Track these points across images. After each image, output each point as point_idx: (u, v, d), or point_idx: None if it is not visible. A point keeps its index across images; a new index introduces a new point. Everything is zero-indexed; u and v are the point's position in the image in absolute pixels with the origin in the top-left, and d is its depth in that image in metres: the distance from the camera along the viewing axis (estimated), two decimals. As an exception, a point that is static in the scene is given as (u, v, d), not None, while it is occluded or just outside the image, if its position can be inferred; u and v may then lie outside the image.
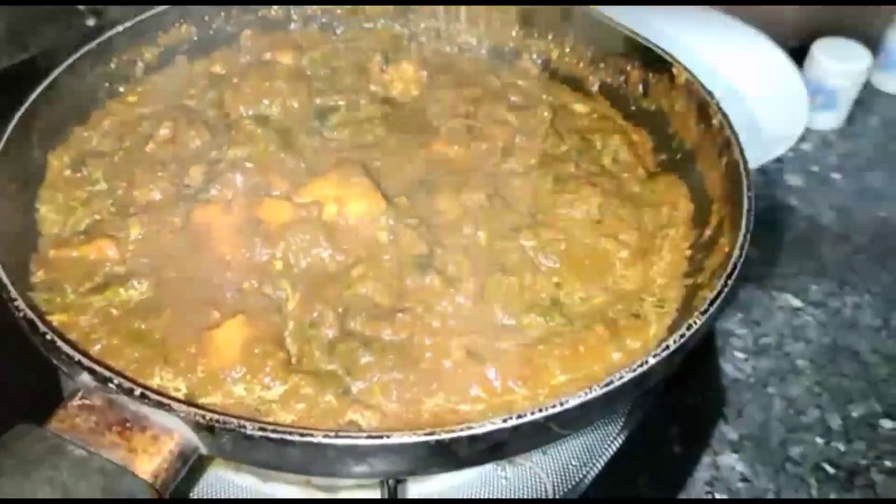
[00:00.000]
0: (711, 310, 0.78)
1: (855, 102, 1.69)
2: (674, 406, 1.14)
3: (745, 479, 1.17)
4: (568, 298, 0.92)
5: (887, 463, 1.19)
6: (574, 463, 0.99)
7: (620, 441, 1.02)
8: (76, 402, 0.70)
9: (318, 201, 0.96)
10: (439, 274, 0.90)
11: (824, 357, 1.33)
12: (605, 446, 1.01)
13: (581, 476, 0.98)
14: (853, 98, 1.68)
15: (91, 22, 1.60)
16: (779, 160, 1.62)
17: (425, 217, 0.96)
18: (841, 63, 1.61)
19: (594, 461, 1.00)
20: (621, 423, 1.04)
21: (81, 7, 1.59)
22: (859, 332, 1.37)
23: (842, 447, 1.21)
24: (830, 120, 1.70)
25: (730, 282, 0.80)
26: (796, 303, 1.41)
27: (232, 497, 0.95)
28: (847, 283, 1.44)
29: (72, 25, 1.57)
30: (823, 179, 1.63)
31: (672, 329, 0.87)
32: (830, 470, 1.18)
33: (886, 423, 1.24)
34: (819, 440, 1.22)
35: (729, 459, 1.19)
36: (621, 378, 0.72)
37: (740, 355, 1.33)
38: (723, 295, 0.79)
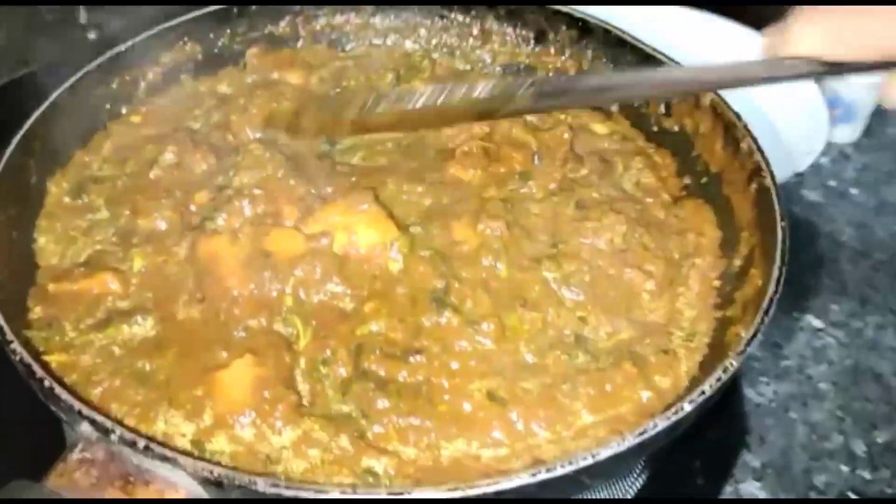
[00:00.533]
0: (749, 350, 0.74)
1: (871, 114, 1.66)
2: (696, 439, 1.10)
3: (769, 509, 1.14)
4: (593, 333, 0.88)
5: (914, 493, 1.15)
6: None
7: (644, 479, 0.97)
8: (76, 455, 0.66)
9: (328, 231, 0.92)
10: (456, 311, 0.86)
11: (847, 380, 1.29)
12: (629, 485, 0.97)
13: (604, 515, 0.94)
14: (870, 110, 1.64)
15: (92, 35, 1.57)
16: (796, 175, 1.58)
17: (440, 248, 0.93)
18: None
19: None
20: (644, 461, 1.00)
21: (82, 21, 1.56)
22: (881, 352, 1.33)
23: (867, 475, 1.18)
24: (848, 133, 1.66)
25: (766, 318, 0.76)
26: (817, 323, 1.37)
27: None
28: (868, 302, 1.40)
29: (73, 39, 1.54)
30: (842, 194, 1.59)
31: (703, 366, 0.83)
32: (856, 498, 1.15)
33: (912, 450, 1.20)
34: (843, 468, 1.18)
35: (751, 488, 1.15)
36: (655, 427, 0.68)
37: (762, 379, 1.29)
38: (760, 334, 0.75)
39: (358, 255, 0.90)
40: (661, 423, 0.68)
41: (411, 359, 0.82)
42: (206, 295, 0.87)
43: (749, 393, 1.26)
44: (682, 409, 0.69)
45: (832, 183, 1.62)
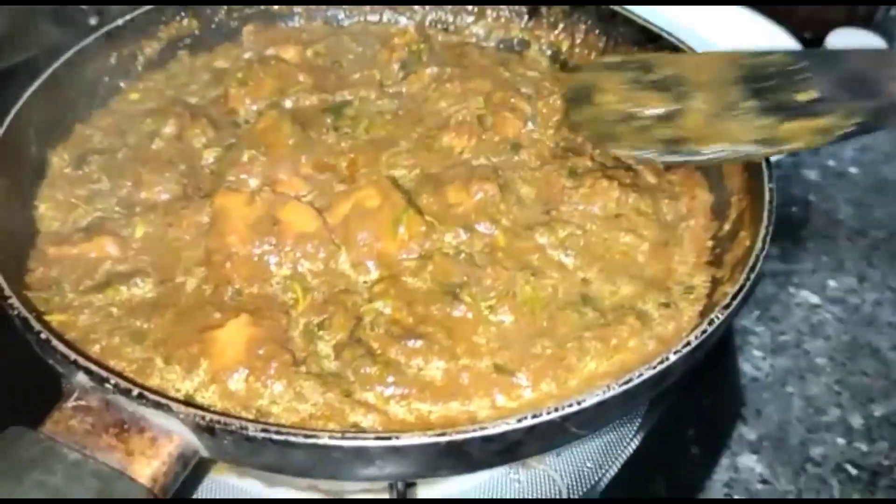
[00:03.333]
0: (734, 305, 0.75)
1: (872, 95, 1.66)
2: (691, 407, 1.11)
3: (764, 481, 1.14)
4: (597, 292, 0.89)
5: (912, 464, 1.16)
6: (589, 465, 0.96)
7: (637, 443, 0.98)
8: (72, 403, 0.68)
9: (344, 217, 0.92)
10: (470, 306, 0.86)
11: (844, 354, 1.30)
12: (621, 448, 0.98)
13: (596, 479, 0.95)
14: (870, 91, 1.64)
15: (94, 20, 1.58)
16: (795, 155, 1.59)
17: (436, 212, 0.93)
18: (857, 55, 1.58)
19: (609, 463, 0.97)
20: (637, 425, 1.01)
21: (84, 7, 1.58)
22: (879, 328, 1.33)
23: (864, 447, 1.18)
24: (847, 113, 1.66)
25: (752, 276, 0.77)
26: (815, 299, 1.37)
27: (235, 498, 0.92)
28: (866, 279, 1.40)
29: (75, 24, 1.56)
30: (840, 174, 1.60)
31: (703, 314, 0.84)
32: (853, 471, 1.15)
33: (910, 423, 1.21)
34: (840, 440, 1.19)
35: (748, 461, 1.16)
36: (640, 375, 0.69)
37: (758, 354, 1.29)
38: (745, 289, 0.76)
39: (371, 242, 0.90)
40: (647, 373, 0.69)
41: (409, 342, 0.82)
42: (207, 247, 0.88)
43: (746, 367, 1.27)
44: (667, 359, 0.70)
45: (831, 163, 1.62)
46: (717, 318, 0.74)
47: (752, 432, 1.19)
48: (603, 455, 0.98)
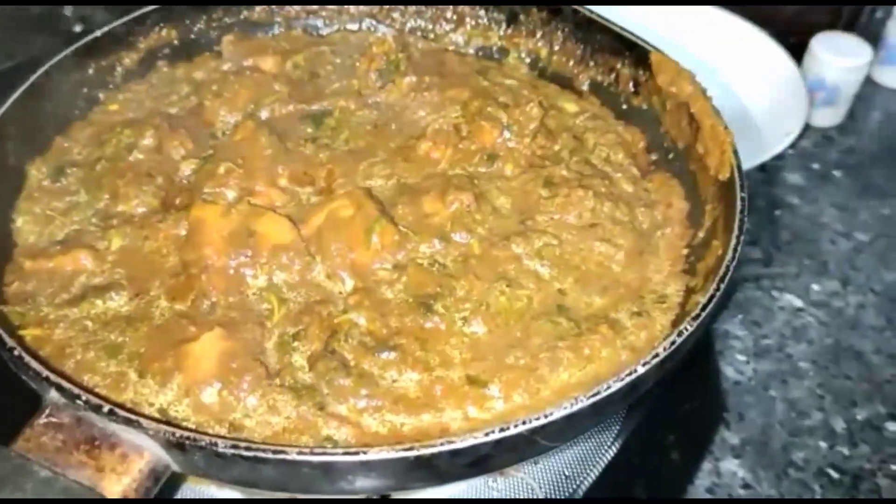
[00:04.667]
0: (703, 315, 0.75)
1: (855, 98, 1.66)
2: (671, 412, 1.11)
3: (746, 486, 1.15)
4: (573, 303, 0.89)
5: (893, 467, 1.16)
6: (567, 473, 0.96)
7: (615, 449, 0.98)
8: (43, 420, 0.68)
9: (318, 228, 0.92)
10: (444, 315, 0.86)
11: (827, 358, 1.30)
12: (599, 455, 0.98)
13: (575, 486, 0.95)
14: (854, 93, 1.65)
15: (78, 28, 1.59)
16: (779, 158, 1.59)
17: (411, 223, 0.94)
18: (841, 58, 1.58)
19: (588, 471, 0.97)
20: (616, 431, 1.01)
21: (67, 13, 1.58)
22: (862, 331, 1.34)
23: (846, 451, 1.19)
24: (831, 116, 1.67)
25: (722, 286, 0.77)
26: (798, 303, 1.38)
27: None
28: (850, 283, 1.41)
29: (58, 33, 1.56)
30: (824, 177, 1.61)
31: (675, 323, 0.85)
32: (835, 475, 1.16)
33: (892, 426, 1.21)
34: (823, 444, 1.19)
35: (730, 465, 1.17)
36: (608, 388, 0.69)
37: (741, 357, 1.30)
38: (715, 299, 0.76)
39: (344, 252, 0.90)
40: (615, 385, 0.69)
41: (383, 354, 0.82)
42: (183, 259, 0.89)
43: (728, 371, 1.28)
44: (635, 371, 0.70)
45: (815, 166, 1.63)
46: (687, 328, 0.74)
47: (735, 437, 1.20)
48: (581, 463, 0.98)
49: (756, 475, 1.16)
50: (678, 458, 1.12)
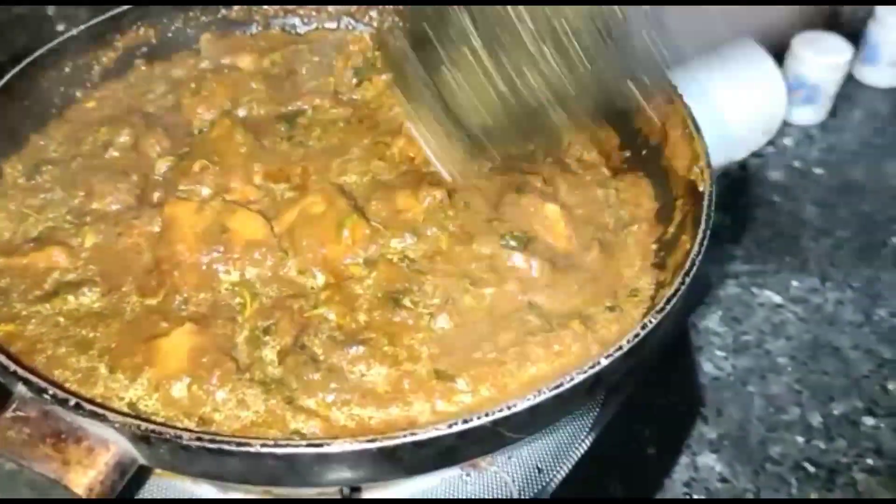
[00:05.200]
0: (668, 308, 0.76)
1: (837, 96, 1.67)
2: (647, 406, 1.12)
3: (724, 480, 1.15)
4: (545, 301, 0.90)
5: (869, 461, 1.17)
6: (540, 466, 0.97)
7: (588, 443, 0.99)
8: (10, 414, 0.68)
9: (290, 224, 0.93)
10: (412, 311, 0.87)
11: (805, 354, 1.31)
12: (573, 449, 0.98)
13: (548, 479, 0.96)
14: (835, 92, 1.65)
15: (61, 27, 1.59)
16: (760, 155, 1.60)
17: (384, 219, 0.94)
18: (822, 56, 1.59)
19: (561, 464, 0.97)
20: (590, 425, 1.02)
21: (50, 12, 1.58)
22: (840, 327, 1.35)
23: (823, 445, 1.19)
24: (812, 114, 1.68)
25: (687, 279, 0.78)
26: (777, 299, 1.39)
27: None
28: (828, 279, 1.42)
29: (41, 32, 1.56)
30: (805, 174, 1.61)
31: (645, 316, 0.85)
32: (811, 469, 1.16)
33: (868, 421, 1.22)
34: (799, 439, 1.20)
35: (707, 460, 1.17)
36: (572, 380, 0.70)
37: (720, 353, 1.31)
38: (680, 292, 0.77)
39: (311, 244, 0.91)
40: (578, 377, 0.70)
41: (352, 349, 0.83)
42: (156, 255, 0.89)
43: (707, 367, 1.28)
44: (598, 363, 0.71)
45: (796, 164, 1.63)
46: (651, 321, 0.75)
47: (713, 431, 1.20)
48: (554, 456, 0.99)
49: (733, 469, 1.16)
50: (654, 453, 1.13)
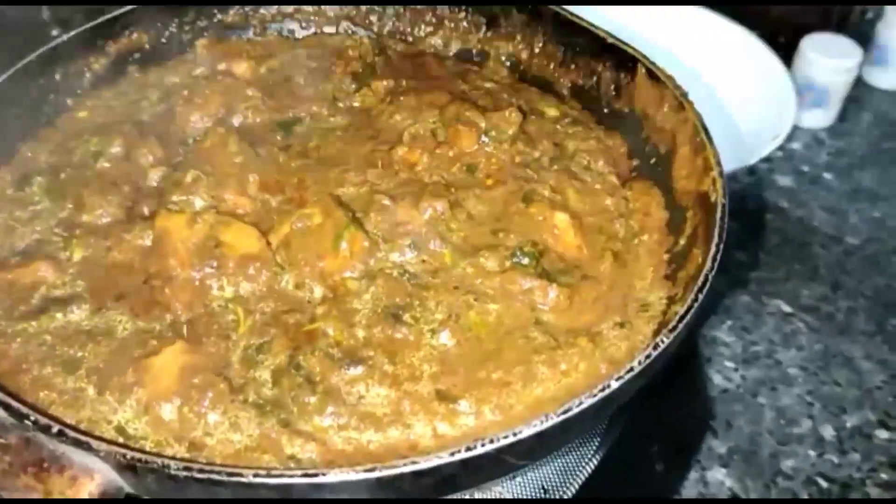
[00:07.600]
0: (680, 327, 0.72)
1: (846, 99, 1.64)
2: (655, 421, 1.09)
3: (734, 496, 1.12)
4: (552, 318, 0.86)
5: (883, 475, 1.14)
6: (546, 486, 0.94)
7: (597, 461, 0.96)
8: (-10, 441, 0.65)
9: (286, 236, 0.90)
10: (412, 327, 0.84)
11: (816, 364, 1.28)
12: (581, 467, 0.95)
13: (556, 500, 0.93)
14: (844, 95, 1.62)
15: (55, 32, 1.56)
16: (768, 160, 1.57)
17: (403, 264, 0.90)
18: (831, 59, 1.56)
19: (568, 483, 0.94)
20: (598, 442, 0.99)
21: (45, 17, 1.56)
22: (853, 337, 1.32)
23: (835, 459, 1.16)
24: (821, 118, 1.65)
25: (700, 296, 0.75)
26: (787, 308, 1.36)
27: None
28: (840, 287, 1.38)
29: (35, 37, 1.53)
30: (814, 179, 1.58)
31: (656, 333, 0.82)
32: (824, 484, 1.13)
33: (882, 434, 1.19)
34: (811, 452, 1.17)
35: (717, 475, 1.14)
36: (580, 404, 0.66)
37: (730, 364, 1.27)
38: (693, 310, 0.74)
39: (308, 257, 0.88)
40: (587, 401, 0.67)
41: (350, 369, 0.80)
42: (147, 270, 0.87)
43: (717, 378, 1.25)
44: (608, 386, 0.68)
45: (805, 168, 1.60)
46: (663, 341, 0.71)
47: (723, 445, 1.17)
48: (561, 475, 0.95)
49: (744, 484, 1.13)
50: (663, 469, 1.10)
